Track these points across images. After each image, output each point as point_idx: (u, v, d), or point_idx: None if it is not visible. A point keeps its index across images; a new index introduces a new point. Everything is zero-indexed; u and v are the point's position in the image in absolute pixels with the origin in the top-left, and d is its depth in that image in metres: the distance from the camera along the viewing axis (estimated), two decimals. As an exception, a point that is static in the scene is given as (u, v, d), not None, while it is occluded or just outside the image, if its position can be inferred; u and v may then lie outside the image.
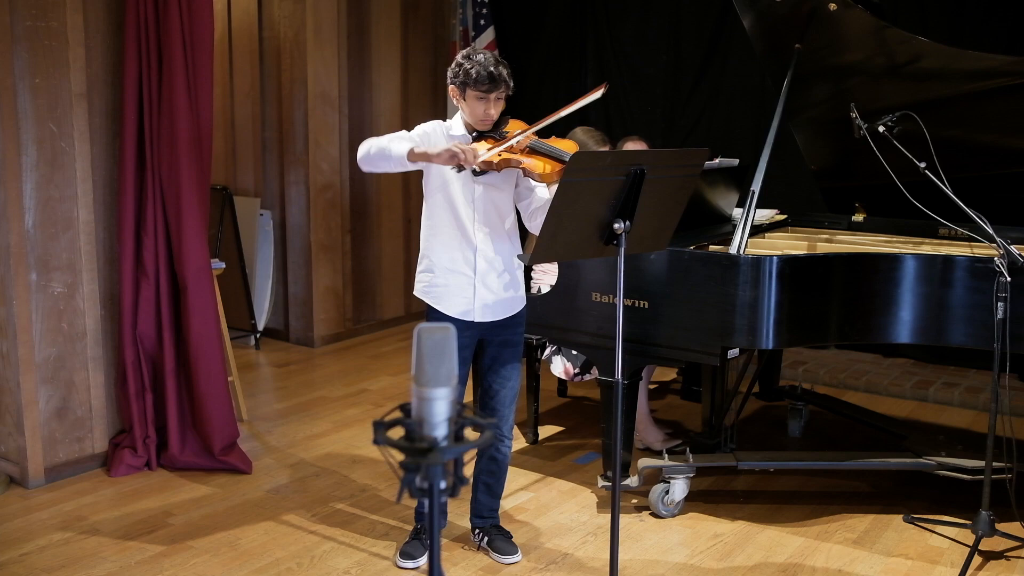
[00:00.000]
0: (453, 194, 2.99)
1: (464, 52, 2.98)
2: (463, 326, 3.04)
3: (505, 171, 2.95)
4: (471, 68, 2.89)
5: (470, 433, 1.45)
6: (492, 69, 2.88)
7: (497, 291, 3.08)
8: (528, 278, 4.16)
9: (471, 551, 3.31)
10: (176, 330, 3.97)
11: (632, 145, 4.45)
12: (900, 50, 3.61)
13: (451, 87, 2.99)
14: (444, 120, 3.10)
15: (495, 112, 2.96)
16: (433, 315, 3.09)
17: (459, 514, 3.42)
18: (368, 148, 2.96)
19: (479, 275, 3.04)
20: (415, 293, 3.15)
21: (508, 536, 3.30)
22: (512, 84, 2.96)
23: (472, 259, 3.03)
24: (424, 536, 3.25)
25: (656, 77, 5.94)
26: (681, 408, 4.81)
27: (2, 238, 3.62)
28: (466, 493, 3.33)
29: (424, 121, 3.09)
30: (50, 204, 3.72)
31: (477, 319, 3.06)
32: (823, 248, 3.82)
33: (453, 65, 2.97)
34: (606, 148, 4.18)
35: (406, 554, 3.21)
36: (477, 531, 3.33)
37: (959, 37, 4.63)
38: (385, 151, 2.91)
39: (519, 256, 3.12)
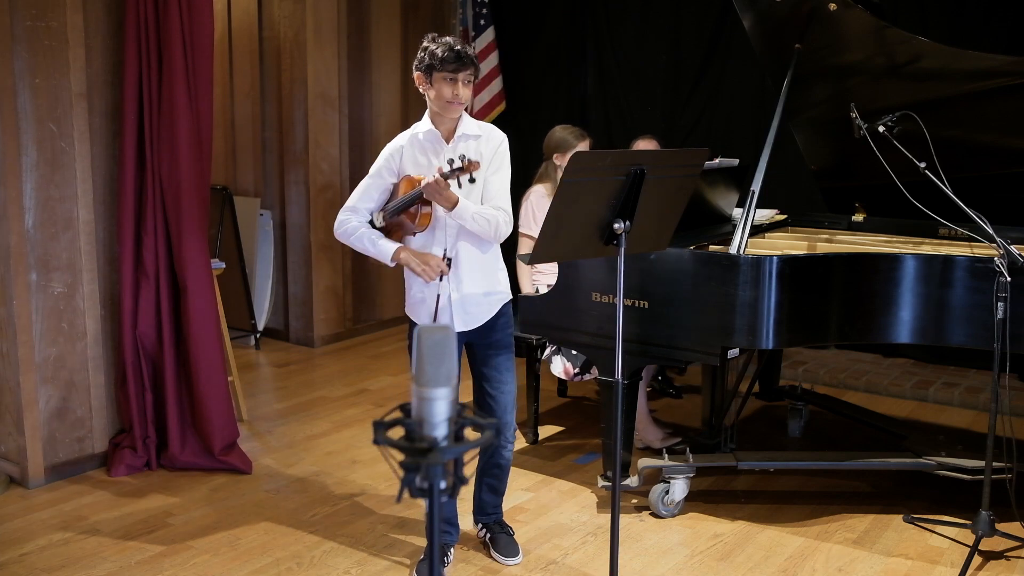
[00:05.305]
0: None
1: (428, 37, 2.94)
2: None
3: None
4: (436, 49, 2.86)
5: (470, 433, 1.45)
6: (458, 48, 2.86)
7: (472, 296, 3.01)
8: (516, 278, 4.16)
9: (471, 551, 3.31)
10: (176, 330, 3.97)
11: (644, 145, 4.45)
12: (900, 50, 3.61)
13: (417, 75, 2.93)
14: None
15: (464, 94, 2.90)
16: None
17: (459, 514, 3.41)
18: (347, 231, 3.03)
19: (452, 284, 2.98)
20: (405, 311, 3.14)
21: (511, 535, 3.29)
22: (479, 68, 2.95)
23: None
24: (443, 554, 3.21)
25: (656, 77, 5.94)
26: (681, 408, 4.82)
27: (2, 238, 3.62)
28: (467, 493, 3.33)
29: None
30: (50, 204, 3.72)
31: (459, 328, 3.00)
32: (823, 248, 3.81)
33: (419, 52, 2.92)
34: (586, 143, 4.19)
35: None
36: (481, 526, 3.33)
37: (959, 37, 4.62)
38: (367, 249, 3.00)
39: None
